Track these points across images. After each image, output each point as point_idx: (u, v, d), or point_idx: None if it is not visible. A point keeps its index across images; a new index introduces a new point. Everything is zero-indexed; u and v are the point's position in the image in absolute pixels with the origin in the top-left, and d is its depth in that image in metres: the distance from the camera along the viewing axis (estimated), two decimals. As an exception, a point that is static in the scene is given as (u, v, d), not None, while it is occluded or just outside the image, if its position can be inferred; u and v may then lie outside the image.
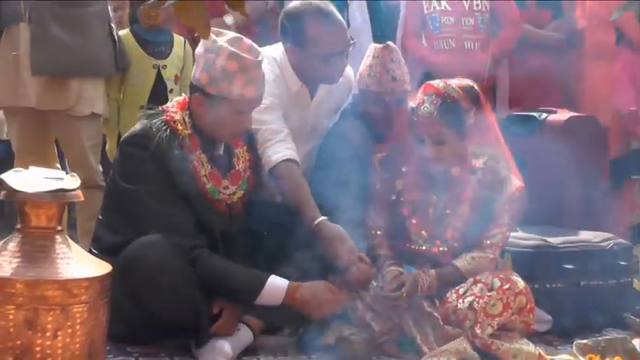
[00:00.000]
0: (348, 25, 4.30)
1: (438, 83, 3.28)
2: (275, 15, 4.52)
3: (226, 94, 3.03)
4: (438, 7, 4.77)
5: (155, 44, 4.42)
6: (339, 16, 3.47)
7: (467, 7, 4.76)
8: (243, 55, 3.03)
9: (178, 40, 4.50)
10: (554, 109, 4.54)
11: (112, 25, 4.08)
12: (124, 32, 4.34)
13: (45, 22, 3.82)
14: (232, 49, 3.03)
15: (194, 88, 3.11)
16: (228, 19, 4.77)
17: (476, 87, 3.33)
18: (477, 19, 4.75)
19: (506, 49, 4.82)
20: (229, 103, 3.05)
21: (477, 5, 4.77)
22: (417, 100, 3.25)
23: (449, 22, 4.75)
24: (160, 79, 4.38)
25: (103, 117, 4.12)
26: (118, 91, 4.33)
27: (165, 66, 4.40)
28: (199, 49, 3.10)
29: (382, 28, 4.76)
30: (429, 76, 4.23)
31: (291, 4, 3.60)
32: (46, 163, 3.79)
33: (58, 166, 4.16)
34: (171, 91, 4.38)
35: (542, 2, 5.15)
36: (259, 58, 3.07)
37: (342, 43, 3.47)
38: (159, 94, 4.27)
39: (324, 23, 3.43)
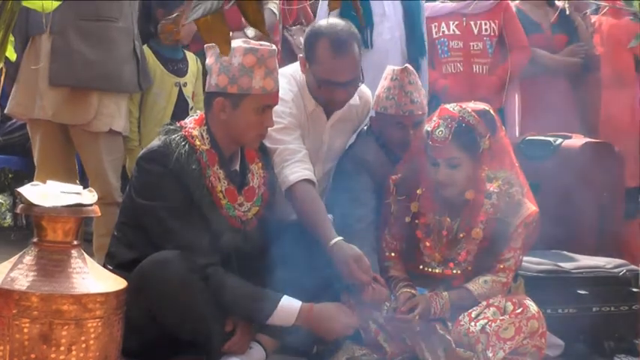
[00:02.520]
0: (372, 45, 4.30)
1: (453, 107, 3.28)
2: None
3: (248, 90, 3.03)
4: (446, 32, 4.79)
5: (174, 61, 4.39)
6: (354, 49, 3.41)
7: (476, 32, 4.78)
8: (258, 47, 3.05)
9: (191, 56, 4.49)
10: (569, 134, 4.54)
11: (137, 42, 4.05)
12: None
13: (67, 35, 3.81)
14: (246, 45, 3.05)
15: (213, 95, 3.08)
16: (250, 31, 4.79)
17: (491, 111, 3.33)
18: (485, 43, 4.78)
19: (514, 73, 4.82)
20: (252, 100, 3.05)
21: (486, 30, 4.78)
22: (433, 124, 3.26)
23: (457, 46, 4.78)
24: (181, 97, 4.36)
25: (124, 135, 4.08)
26: (138, 109, 4.28)
27: (186, 84, 4.38)
28: (210, 59, 3.10)
29: (420, 49, 4.70)
30: (435, 98, 4.27)
31: (319, 22, 3.63)
32: (66, 176, 3.76)
33: (77, 181, 4.14)
34: (191, 108, 4.35)
35: (557, 26, 5.15)
36: (273, 47, 3.09)
37: (346, 76, 3.42)
38: (181, 112, 4.22)
39: (335, 51, 3.38)
